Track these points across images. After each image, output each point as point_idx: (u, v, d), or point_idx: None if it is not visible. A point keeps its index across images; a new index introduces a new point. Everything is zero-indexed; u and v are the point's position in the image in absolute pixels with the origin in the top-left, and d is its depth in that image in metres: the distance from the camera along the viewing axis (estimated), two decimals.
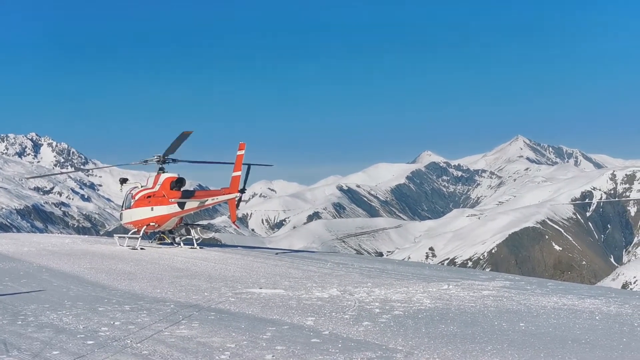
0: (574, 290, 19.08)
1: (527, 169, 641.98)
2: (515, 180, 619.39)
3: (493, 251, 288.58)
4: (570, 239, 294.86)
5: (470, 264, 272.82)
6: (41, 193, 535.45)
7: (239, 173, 30.27)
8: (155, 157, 34.68)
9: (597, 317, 14.06)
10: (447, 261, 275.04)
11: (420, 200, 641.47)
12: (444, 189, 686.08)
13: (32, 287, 19.76)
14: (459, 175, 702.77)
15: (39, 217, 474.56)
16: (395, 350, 11.04)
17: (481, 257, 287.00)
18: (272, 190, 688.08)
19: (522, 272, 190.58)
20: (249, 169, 30.71)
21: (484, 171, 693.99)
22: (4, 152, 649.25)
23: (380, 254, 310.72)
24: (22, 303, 16.41)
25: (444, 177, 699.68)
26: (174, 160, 34.91)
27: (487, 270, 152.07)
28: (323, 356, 10.69)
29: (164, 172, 34.47)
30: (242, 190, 30.73)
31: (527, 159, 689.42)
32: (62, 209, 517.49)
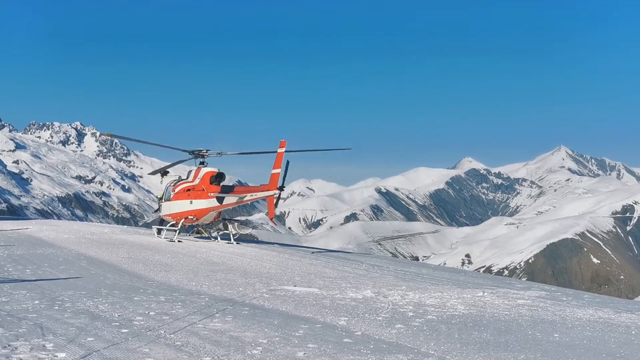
0: (611, 304, 18.84)
1: (568, 179, 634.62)
2: (555, 190, 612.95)
3: (530, 261, 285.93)
4: (609, 252, 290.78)
5: (506, 272, 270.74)
6: (83, 182, 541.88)
7: (278, 170, 30.31)
8: (204, 150, 34.96)
9: (633, 332, 13.87)
10: (483, 269, 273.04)
11: (458, 206, 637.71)
12: (483, 196, 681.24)
13: (70, 274, 20.04)
14: (499, 183, 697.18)
15: (79, 206, 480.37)
16: (427, 355, 11.00)
17: (518, 267, 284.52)
18: (311, 189, 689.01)
19: (558, 284, 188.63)
20: (287, 166, 30.71)
21: (524, 180, 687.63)
22: (49, 140, 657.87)
23: (416, 259, 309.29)
24: (59, 289, 16.65)
25: (484, 184, 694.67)
26: (219, 154, 35.15)
27: (523, 279, 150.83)
28: (354, 356, 10.68)
29: (204, 166, 34.69)
30: (281, 188, 30.76)
31: (569, 169, 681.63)
32: (102, 199, 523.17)
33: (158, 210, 37.62)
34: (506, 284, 23.45)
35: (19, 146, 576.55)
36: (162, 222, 36.41)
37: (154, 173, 39.08)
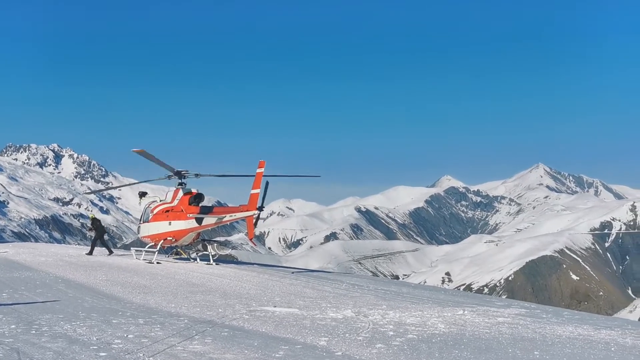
0: (590, 321, 18.89)
1: (546, 197, 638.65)
2: (534, 207, 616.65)
3: (510, 278, 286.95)
4: (588, 269, 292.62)
5: (486, 290, 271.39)
6: (60, 204, 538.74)
7: (257, 190, 30.25)
8: (184, 171, 34.86)
9: (612, 349, 13.90)
10: (463, 287, 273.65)
11: (438, 224, 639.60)
12: (463, 214, 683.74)
13: (48, 297, 19.84)
14: (478, 200, 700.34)
15: (57, 228, 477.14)
16: None
17: (497, 284, 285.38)
18: (291, 209, 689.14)
19: (538, 301, 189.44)
20: (267, 186, 30.65)
21: (503, 198, 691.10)
22: (26, 162, 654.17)
23: (397, 277, 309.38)
24: (36, 312, 16.47)
25: (463, 202, 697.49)
26: (196, 175, 35.03)
27: (503, 297, 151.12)
28: None
29: (183, 187, 34.58)
30: (260, 208, 30.69)
31: (547, 187, 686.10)
32: (80, 221, 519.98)
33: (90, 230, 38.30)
34: (486, 302, 23.47)
35: None
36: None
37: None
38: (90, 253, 37.74)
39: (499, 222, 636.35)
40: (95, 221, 39.51)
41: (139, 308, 18.15)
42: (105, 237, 39.98)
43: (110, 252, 38.34)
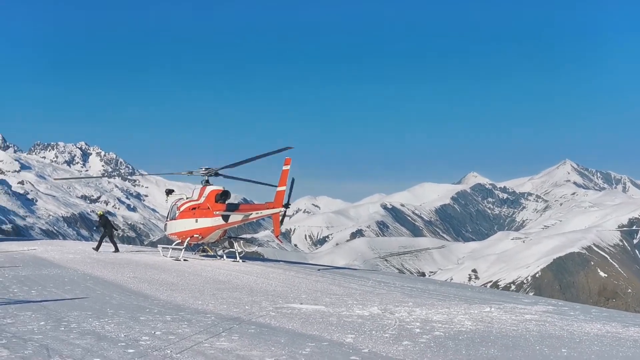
0: (618, 318, 18.74)
1: (574, 193, 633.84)
2: (561, 204, 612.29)
3: (537, 275, 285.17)
4: (616, 265, 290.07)
5: (513, 287, 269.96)
6: (88, 202, 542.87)
7: (283, 188, 30.22)
8: (203, 169, 34.96)
9: None
10: (490, 284, 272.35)
11: (464, 221, 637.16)
12: (489, 211, 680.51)
13: (76, 294, 20.01)
14: (505, 197, 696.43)
15: (85, 225, 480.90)
16: None
17: (524, 281, 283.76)
18: (317, 206, 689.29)
19: (565, 298, 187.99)
20: (292, 183, 30.58)
21: (530, 194, 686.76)
22: (54, 160, 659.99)
23: (423, 274, 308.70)
24: (65, 309, 16.61)
25: (490, 199, 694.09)
26: (217, 174, 35.11)
27: (530, 294, 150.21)
28: None
29: (209, 185, 34.69)
30: (287, 205, 30.64)
31: (575, 183, 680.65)
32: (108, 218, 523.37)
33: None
34: (513, 299, 23.35)
35: (24, 167, 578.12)
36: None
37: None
38: (97, 248, 38.12)
39: (526, 219, 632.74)
40: (103, 217, 39.75)
41: (166, 305, 18.24)
42: (116, 233, 40.18)
43: (116, 250, 38.47)
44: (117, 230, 40.91)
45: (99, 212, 41.75)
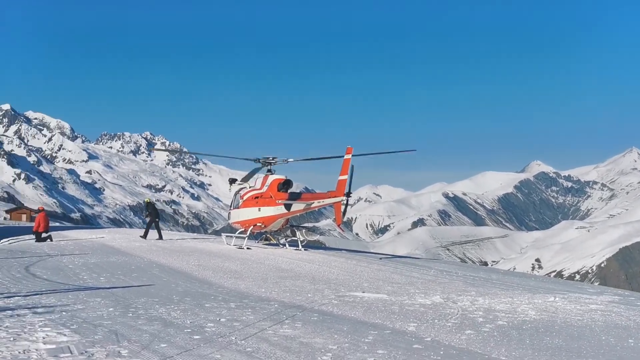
0: None
1: None
2: (628, 193, 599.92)
3: (602, 265, 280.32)
4: None
5: (577, 277, 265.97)
6: (153, 191, 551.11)
7: (345, 177, 30.27)
8: (271, 158, 35.19)
9: None
10: (553, 273, 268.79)
11: (527, 210, 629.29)
12: (553, 200, 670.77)
13: (143, 281, 20.42)
14: (569, 186, 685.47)
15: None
16: None
17: (589, 271, 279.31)
18: (378, 195, 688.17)
19: (632, 288, 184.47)
20: (352, 171, 30.47)
21: (595, 183, 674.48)
22: (120, 150, 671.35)
23: (485, 264, 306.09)
24: (133, 296, 16.98)
25: (553, 188, 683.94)
26: (285, 160, 35.31)
27: (596, 284, 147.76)
28: None
29: (272, 174, 34.90)
30: (348, 194, 30.70)
31: None
32: (172, 207, 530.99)
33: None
34: (578, 289, 23.05)
35: (92, 156, 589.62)
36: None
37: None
38: (145, 236, 38.68)
39: (591, 208, 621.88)
40: (149, 205, 40.30)
41: (230, 292, 18.49)
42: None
43: (160, 237, 38.89)
44: (159, 218, 41.44)
45: (146, 200, 42.47)
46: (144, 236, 38.91)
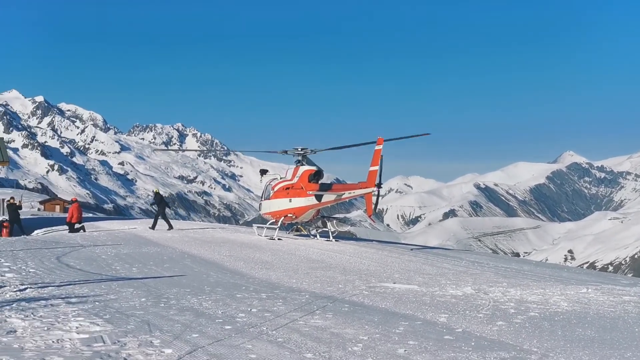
0: None
1: None
2: None
3: (636, 256, 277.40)
4: None
5: (611, 268, 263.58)
6: (185, 182, 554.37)
7: (376, 167, 30.14)
8: (300, 149, 35.17)
9: None
10: (586, 264, 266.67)
11: (560, 201, 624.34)
12: (586, 191, 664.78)
13: (175, 272, 20.56)
14: (602, 176, 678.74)
15: (182, 205, 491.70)
16: (530, 352, 10.85)
17: (623, 262, 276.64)
18: (409, 186, 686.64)
19: None
20: (382, 162, 30.28)
21: (628, 173, 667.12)
22: (152, 141, 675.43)
23: (517, 255, 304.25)
24: (165, 286, 17.11)
25: (586, 179, 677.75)
26: (313, 151, 35.27)
27: (629, 275, 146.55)
28: (455, 353, 10.63)
29: (302, 165, 34.89)
30: (379, 185, 30.60)
31: None
32: (204, 198, 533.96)
33: None
34: (611, 280, 22.84)
35: (124, 148, 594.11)
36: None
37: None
38: (153, 227, 38.78)
39: (625, 199, 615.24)
40: (157, 195, 40.43)
41: (261, 283, 18.56)
42: (167, 211, 40.57)
43: (170, 227, 38.96)
44: (169, 208, 41.47)
45: (154, 190, 42.57)
46: (153, 227, 38.98)
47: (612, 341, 11.77)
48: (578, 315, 14.34)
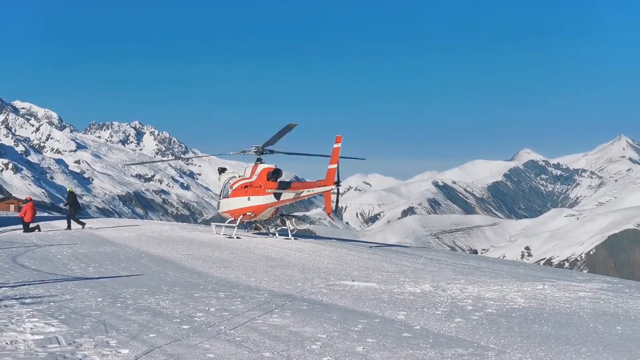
0: None
1: (629, 169, 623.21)
2: (616, 181, 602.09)
3: (591, 253, 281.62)
4: None
5: (567, 264, 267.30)
6: (142, 180, 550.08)
7: (335, 166, 30.22)
8: (253, 147, 35.10)
9: None
10: (543, 261, 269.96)
11: (517, 198, 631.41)
12: (542, 188, 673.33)
13: (132, 271, 20.38)
14: (558, 174, 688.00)
15: (139, 204, 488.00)
16: (487, 348, 10.92)
17: (578, 259, 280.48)
18: (368, 184, 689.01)
19: (621, 276, 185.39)
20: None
21: (584, 171, 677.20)
22: (109, 139, 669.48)
23: (475, 252, 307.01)
24: (121, 286, 16.94)
25: (543, 176, 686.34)
26: (271, 152, 35.24)
27: (584, 272, 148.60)
28: (414, 350, 10.66)
29: (261, 163, 34.85)
30: (338, 183, 30.68)
31: (630, 159, 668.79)
32: (162, 197, 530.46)
33: None
34: (567, 277, 23.13)
35: (80, 146, 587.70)
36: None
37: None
38: (69, 227, 38.37)
39: (580, 196, 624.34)
40: (71, 195, 40.05)
41: (219, 282, 18.47)
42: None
43: (74, 226, 38.83)
44: (80, 209, 41.09)
45: (68, 189, 42.15)
46: (68, 227, 38.49)
47: (568, 337, 11.90)
48: (534, 311, 14.49)
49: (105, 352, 9.97)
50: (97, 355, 9.79)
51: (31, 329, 11.33)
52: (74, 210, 39.26)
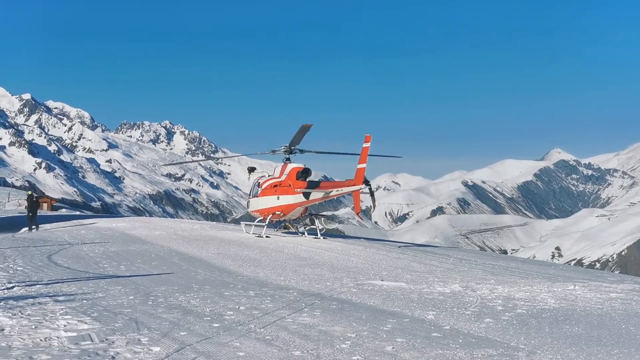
0: None
1: None
2: None
3: (623, 253, 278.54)
4: None
5: (598, 265, 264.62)
6: (173, 180, 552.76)
7: (364, 165, 30.25)
8: (283, 147, 35.16)
9: None
10: (573, 261, 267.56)
11: (547, 198, 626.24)
12: (573, 188, 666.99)
13: (163, 270, 20.54)
14: (589, 174, 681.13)
15: (170, 203, 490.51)
16: (517, 349, 10.89)
17: (610, 259, 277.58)
18: (397, 183, 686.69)
19: None
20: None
21: (615, 170, 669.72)
22: (139, 139, 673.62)
23: (505, 252, 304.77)
24: (153, 284, 17.09)
25: (574, 176, 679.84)
26: (301, 151, 35.28)
27: (616, 272, 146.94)
28: (443, 350, 10.65)
29: (290, 162, 34.91)
30: (367, 182, 30.73)
31: None
32: (192, 196, 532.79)
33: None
34: (598, 277, 22.94)
35: (112, 145, 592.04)
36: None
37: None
38: (30, 229, 38.56)
39: (612, 196, 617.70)
40: (30, 197, 40.35)
41: (249, 281, 18.55)
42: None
43: (32, 228, 39.08)
44: (38, 209, 41.44)
45: (28, 193, 42.60)
46: (29, 229, 38.68)
47: (599, 338, 11.82)
48: (565, 312, 14.40)
49: (137, 349, 10.08)
50: (129, 352, 9.90)
51: (64, 326, 11.49)
52: (34, 212, 39.71)
